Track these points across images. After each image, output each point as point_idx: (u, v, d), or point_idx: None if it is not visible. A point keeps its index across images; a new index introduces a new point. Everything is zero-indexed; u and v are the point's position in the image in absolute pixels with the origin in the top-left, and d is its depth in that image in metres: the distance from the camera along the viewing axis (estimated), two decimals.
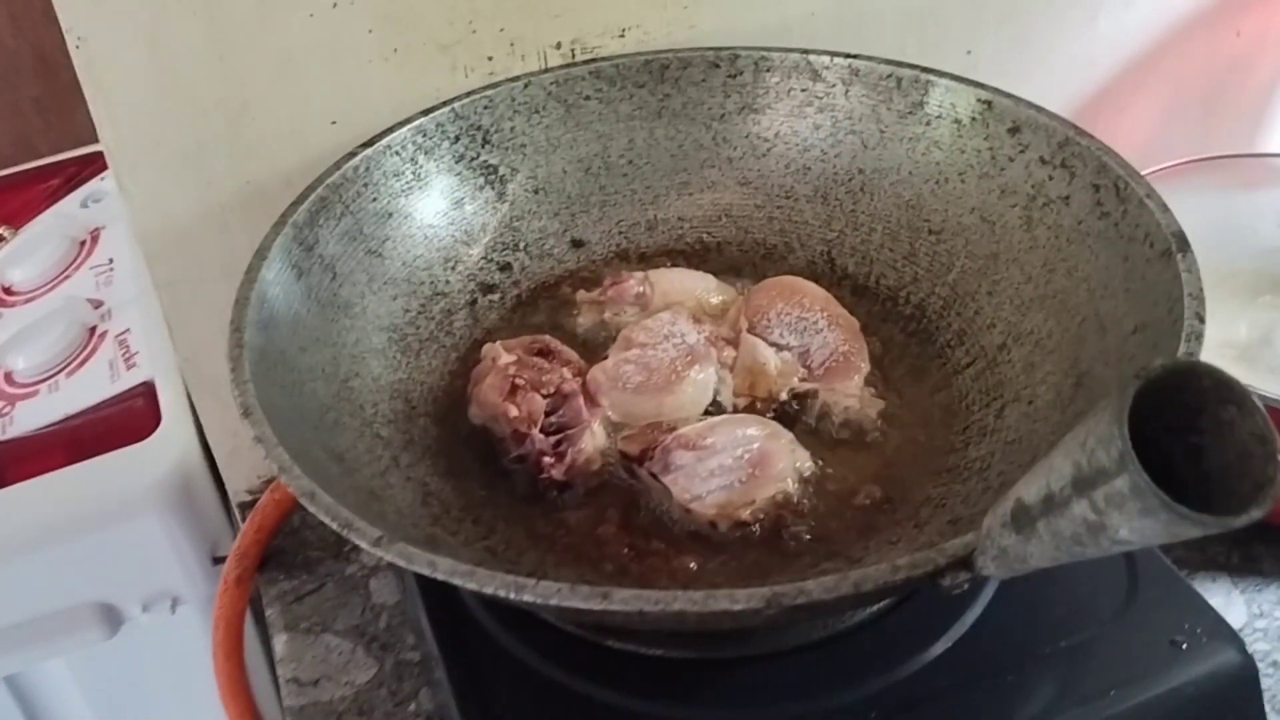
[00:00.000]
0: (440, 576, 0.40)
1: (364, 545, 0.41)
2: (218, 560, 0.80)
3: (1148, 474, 0.29)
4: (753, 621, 0.43)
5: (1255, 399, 0.30)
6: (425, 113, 0.65)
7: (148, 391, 0.81)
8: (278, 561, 0.74)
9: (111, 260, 0.93)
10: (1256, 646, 0.65)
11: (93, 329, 0.87)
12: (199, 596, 0.79)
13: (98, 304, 0.89)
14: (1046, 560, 0.35)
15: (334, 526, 0.42)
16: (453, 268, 0.65)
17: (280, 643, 0.69)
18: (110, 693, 0.82)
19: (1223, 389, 0.30)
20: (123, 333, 0.86)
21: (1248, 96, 0.94)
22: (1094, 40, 0.85)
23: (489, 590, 0.39)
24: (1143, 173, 0.78)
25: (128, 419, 0.79)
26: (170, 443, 0.78)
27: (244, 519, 0.76)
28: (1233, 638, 0.51)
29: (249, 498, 0.78)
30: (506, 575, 0.39)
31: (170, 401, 0.80)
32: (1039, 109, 0.62)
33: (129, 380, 0.82)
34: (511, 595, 0.39)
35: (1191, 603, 0.52)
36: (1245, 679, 0.51)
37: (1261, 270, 0.73)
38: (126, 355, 0.83)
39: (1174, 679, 0.50)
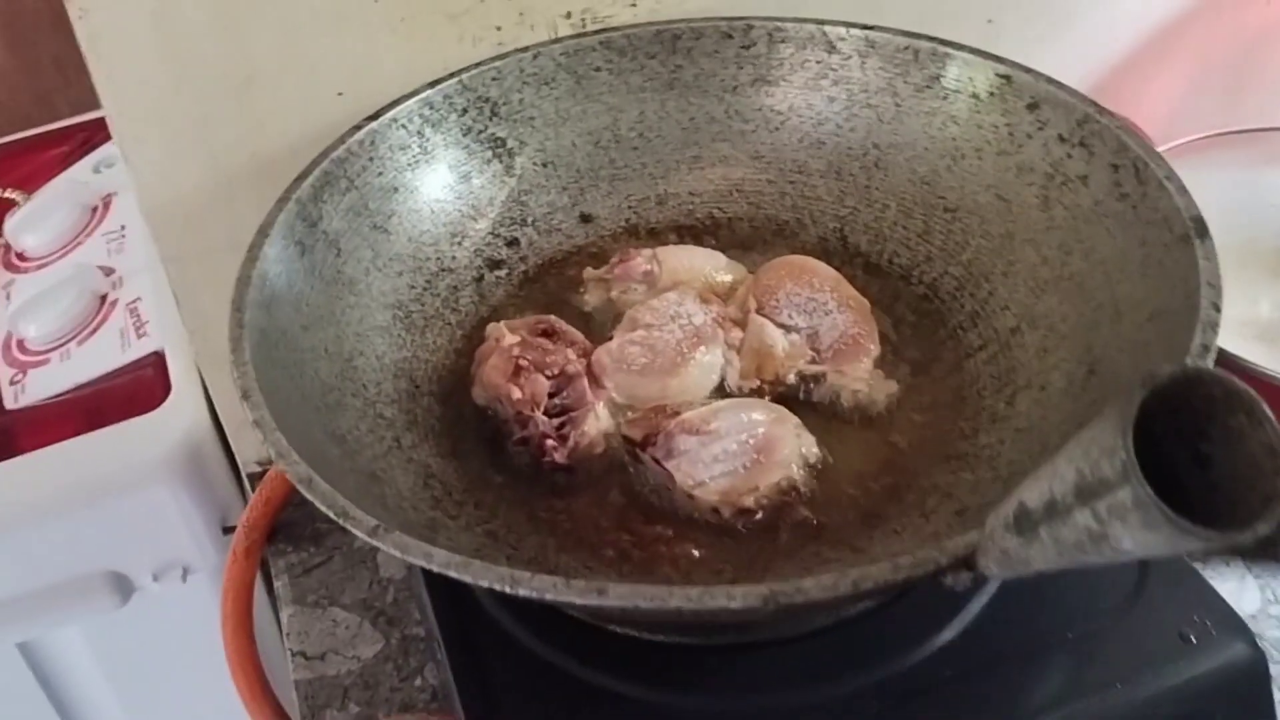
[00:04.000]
0: (435, 568, 0.39)
1: (360, 535, 0.41)
2: (228, 530, 0.80)
3: (1153, 482, 0.28)
4: (751, 618, 0.43)
5: (1266, 409, 0.29)
6: (432, 85, 0.64)
7: (158, 361, 0.81)
8: (286, 533, 0.74)
9: (124, 227, 0.93)
10: (1270, 634, 0.64)
11: (104, 297, 0.87)
12: (209, 566, 0.80)
13: (109, 271, 0.89)
14: (1049, 565, 0.34)
15: (330, 514, 0.41)
16: (459, 243, 0.64)
17: (287, 615, 0.69)
18: (123, 660, 0.83)
19: (1233, 398, 0.29)
20: (134, 301, 0.86)
21: (1277, 68, 0.92)
22: (1118, 8, 0.83)
23: (484, 583, 0.39)
24: (1167, 146, 0.77)
25: (138, 388, 0.80)
26: (180, 413, 0.78)
27: (254, 489, 0.77)
28: (1243, 630, 0.50)
29: (259, 468, 0.78)
30: (502, 569, 0.39)
31: (180, 371, 0.80)
32: (1059, 85, 0.60)
33: (140, 349, 0.82)
34: (507, 589, 0.38)
35: (1201, 594, 0.52)
36: (1255, 673, 0.50)
37: None
38: (137, 324, 0.83)
39: (1182, 673, 0.49)
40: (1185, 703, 0.49)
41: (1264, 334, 0.73)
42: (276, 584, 0.71)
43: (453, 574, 0.39)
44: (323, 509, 0.42)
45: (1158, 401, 0.29)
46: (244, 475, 0.79)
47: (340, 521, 0.41)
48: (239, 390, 0.47)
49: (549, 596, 0.38)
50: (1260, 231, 0.73)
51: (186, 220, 0.66)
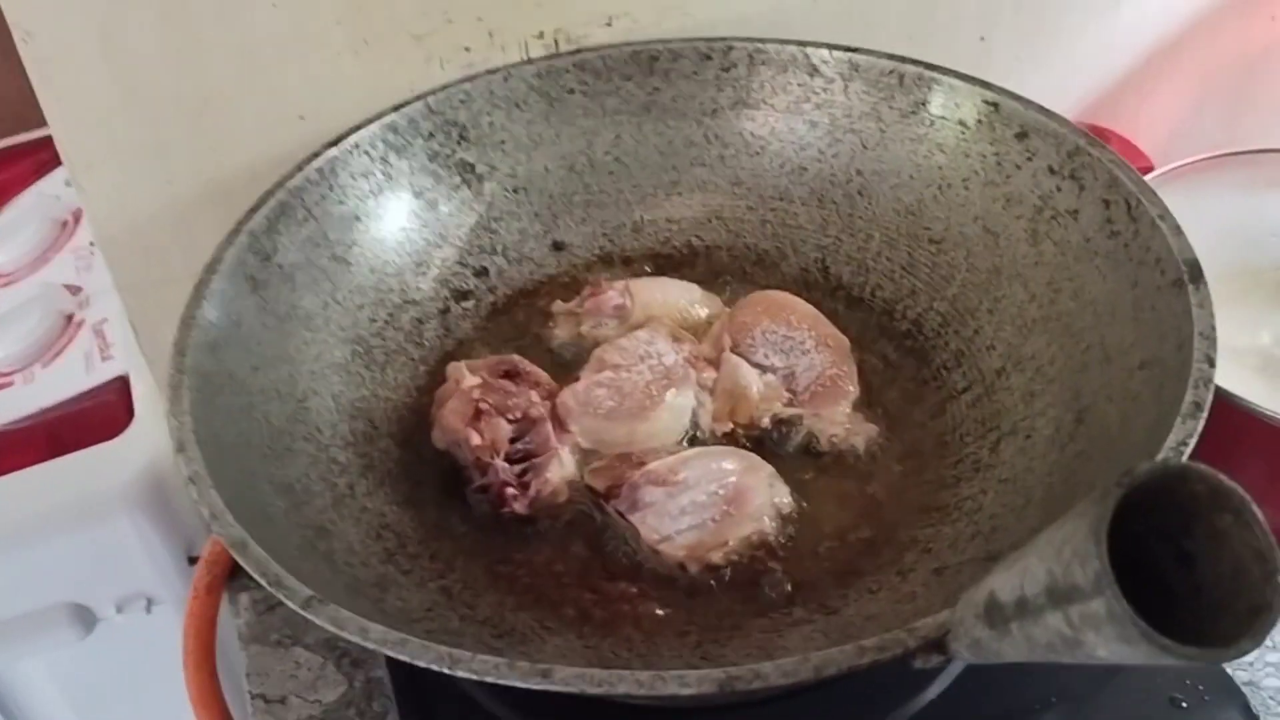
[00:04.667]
0: (371, 646, 0.37)
1: (293, 606, 0.38)
2: (193, 560, 0.77)
3: (1133, 581, 0.26)
4: (708, 700, 0.40)
5: (1254, 509, 0.27)
6: (396, 108, 0.61)
7: (122, 386, 0.78)
8: None
9: (93, 244, 0.90)
10: (1267, 683, 0.61)
11: (70, 317, 0.84)
12: (174, 596, 0.77)
13: (76, 290, 0.86)
14: (1021, 658, 0.32)
15: (264, 584, 0.39)
16: (424, 273, 0.62)
17: (248, 655, 0.67)
18: (87, 692, 0.80)
19: (1219, 496, 0.27)
20: (100, 322, 0.83)
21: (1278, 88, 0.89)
22: (1116, 24, 0.80)
23: (421, 664, 0.36)
24: (1166, 168, 0.74)
25: (102, 414, 0.77)
26: (143, 440, 0.75)
27: None
28: (1236, 694, 0.48)
29: None
30: (440, 648, 0.36)
31: (144, 396, 0.77)
32: (1049, 114, 0.57)
33: (104, 373, 0.79)
34: (445, 669, 0.36)
35: None
36: None
37: None
38: (103, 347, 0.81)
39: None
40: None
41: (1265, 366, 0.70)
42: (238, 621, 0.69)
43: (388, 653, 0.37)
44: (256, 577, 0.39)
45: (1139, 495, 0.26)
46: None
47: (273, 591, 0.39)
48: (174, 442, 0.44)
49: (490, 679, 0.36)
50: (1261, 258, 0.71)
51: (142, 248, 0.63)
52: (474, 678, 0.36)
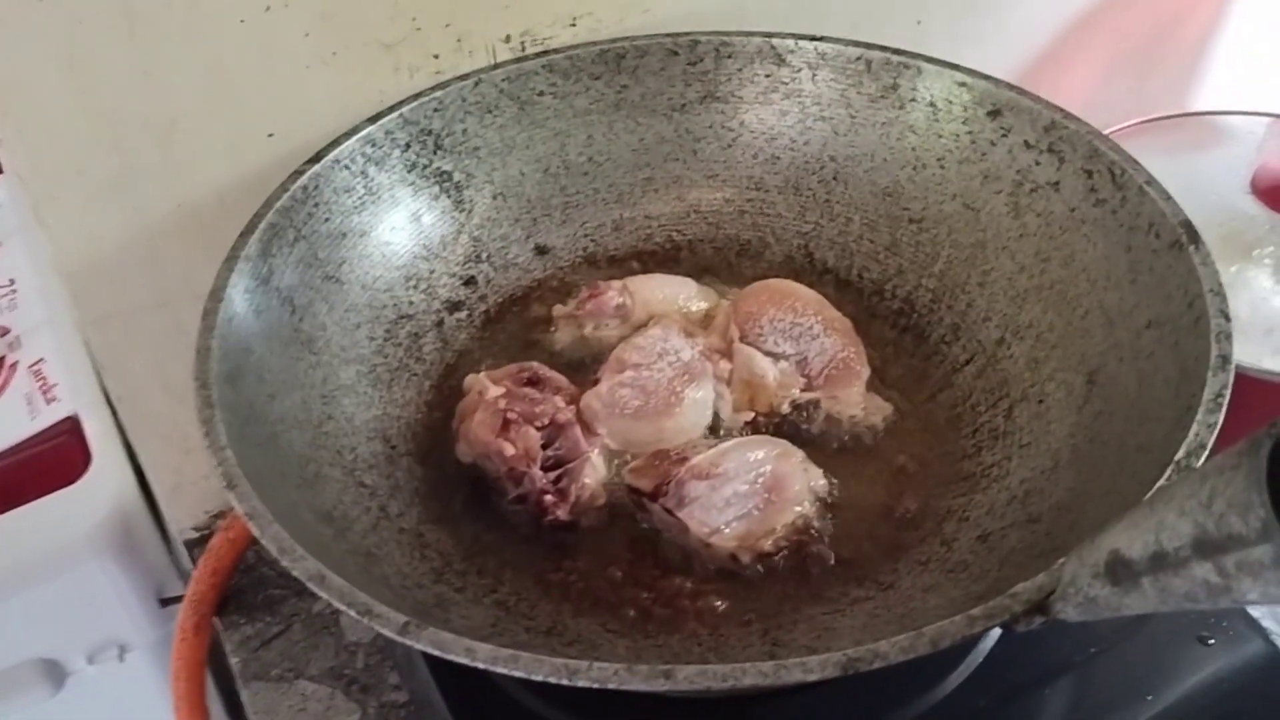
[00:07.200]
0: (481, 665, 0.36)
1: (389, 634, 0.37)
2: (165, 602, 0.75)
3: None
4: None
5: None
6: (372, 120, 0.60)
7: (73, 428, 0.74)
8: (237, 603, 0.69)
9: (13, 281, 0.85)
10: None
11: (1, 360, 0.80)
12: (147, 641, 0.74)
13: (3, 331, 0.82)
14: (1145, 610, 0.33)
15: (353, 614, 0.38)
16: (415, 286, 0.61)
17: (250, 693, 0.65)
18: None
19: None
20: (36, 363, 0.79)
21: (1181, 52, 0.94)
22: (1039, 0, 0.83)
23: (538, 678, 0.36)
24: None
25: (55, 459, 0.73)
26: (105, 482, 0.72)
27: (190, 556, 0.72)
28: (1256, 628, 0.51)
29: (195, 534, 0.73)
30: (558, 660, 0.36)
31: (99, 436, 0.74)
32: (1020, 91, 0.60)
33: (50, 416, 0.75)
34: (565, 681, 0.36)
35: None
36: (1273, 668, 0.50)
37: (1232, 236, 0.72)
38: (44, 388, 0.77)
39: (1207, 675, 0.49)
40: (1211, 704, 0.49)
41: None
42: (233, 660, 0.66)
43: (501, 669, 0.36)
44: (342, 608, 0.38)
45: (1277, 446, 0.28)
46: (178, 542, 0.74)
47: (364, 620, 0.38)
48: (223, 479, 0.42)
49: (612, 685, 0.35)
50: (1203, 218, 0.74)
51: (109, 279, 0.60)
52: (595, 686, 0.36)
